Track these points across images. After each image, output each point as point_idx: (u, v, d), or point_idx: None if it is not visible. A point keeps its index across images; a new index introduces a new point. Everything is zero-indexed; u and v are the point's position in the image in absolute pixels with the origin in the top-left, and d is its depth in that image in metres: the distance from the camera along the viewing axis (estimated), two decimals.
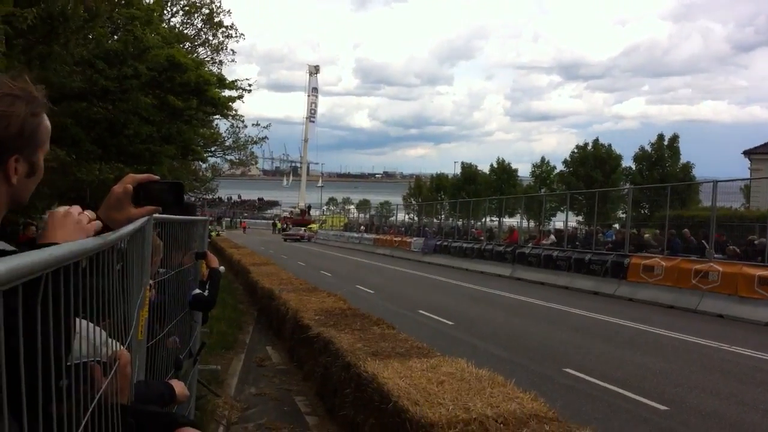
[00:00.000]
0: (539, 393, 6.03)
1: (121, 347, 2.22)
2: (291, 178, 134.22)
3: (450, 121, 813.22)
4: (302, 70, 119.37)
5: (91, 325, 1.91)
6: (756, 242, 20.93)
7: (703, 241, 21.88)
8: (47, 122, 2.00)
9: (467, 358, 7.35)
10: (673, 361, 12.31)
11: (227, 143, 43.13)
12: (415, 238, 47.50)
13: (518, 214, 43.49)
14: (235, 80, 28.20)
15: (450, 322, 16.51)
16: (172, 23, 33.29)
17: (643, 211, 41.07)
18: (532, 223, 47.35)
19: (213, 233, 47.32)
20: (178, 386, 3.31)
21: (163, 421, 2.44)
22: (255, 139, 43.77)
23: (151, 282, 4.24)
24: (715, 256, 20.49)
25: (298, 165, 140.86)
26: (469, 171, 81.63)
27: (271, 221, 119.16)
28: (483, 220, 46.30)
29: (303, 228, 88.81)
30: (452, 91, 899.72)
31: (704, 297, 19.43)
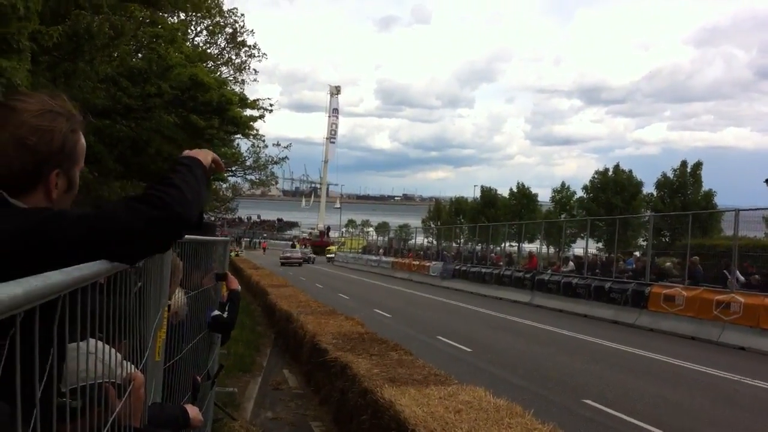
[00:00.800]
0: (558, 424, 5.92)
1: (136, 369, 2.18)
2: (312, 199, 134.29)
3: (470, 144, 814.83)
4: (324, 91, 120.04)
5: (106, 346, 1.88)
6: None
7: (724, 271, 21.62)
8: (83, 140, 2.05)
9: (485, 386, 7.26)
10: (693, 394, 12.13)
11: (248, 163, 43.45)
12: (433, 263, 47.35)
13: (538, 240, 43.23)
14: (257, 100, 28.44)
15: (468, 349, 16.38)
16: (195, 42, 33.63)
17: (664, 239, 40.78)
18: (551, 249, 47.13)
19: (232, 254, 47.43)
20: (193, 411, 3.26)
21: None
22: (275, 159, 44.10)
23: (184, 298, 4.21)
24: (741, 279, 20.23)
25: (318, 186, 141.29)
26: (488, 195, 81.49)
27: (290, 242, 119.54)
28: (502, 245, 46.12)
29: (301, 249, 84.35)
30: (473, 113, 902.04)
31: (726, 328, 19.17)
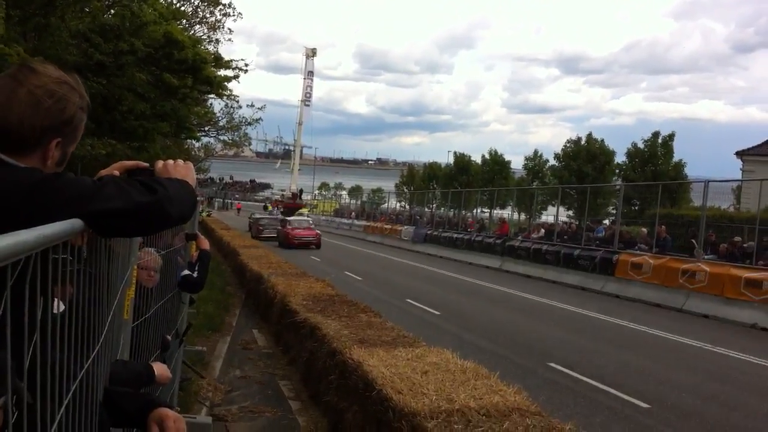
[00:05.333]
0: (523, 386, 6.04)
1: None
2: (292, 160, 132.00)
3: (447, 110, 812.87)
4: (302, 53, 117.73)
5: None
6: (745, 245, 20.98)
7: (692, 240, 21.91)
8: (84, 122, 2.11)
9: (453, 349, 7.38)
10: (656, 359, 12.38)
11: (221, 123, 43.00)
12: (405, 227, 47.45)
13: (509, 207, 43.44)
14: (231, 60, 28.15)
15: (437, 312, 16.55)
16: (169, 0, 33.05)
17: (633, 208, 41.13)
18: (523, 216, 47.39)
19: (203, 213, 47.09)
20: (159, 368, 3.28)
21: (140, 401, 2.44)
22: (249, 120, 43.67)
23: (155, 258, 4.23)
24: (705, 257, 20.53)
25: (292, 148, 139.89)
26: (462, 161, 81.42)
27: (262, 204, 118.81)
28: (474, 211, 46.27)
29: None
30: (451, 80, 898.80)
31: (690, 297, 19.49)
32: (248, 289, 17.23)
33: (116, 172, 2.14)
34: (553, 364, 11.38)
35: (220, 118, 42.30)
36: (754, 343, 14.56)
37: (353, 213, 69.11)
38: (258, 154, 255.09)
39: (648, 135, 57.13)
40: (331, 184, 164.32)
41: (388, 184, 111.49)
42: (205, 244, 6.25)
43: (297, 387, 9.37)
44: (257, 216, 54.89)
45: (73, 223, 1.68)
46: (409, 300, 18.30)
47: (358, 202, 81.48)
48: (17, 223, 1.45)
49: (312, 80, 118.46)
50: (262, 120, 44.54)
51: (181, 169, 2.21)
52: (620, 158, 59.93)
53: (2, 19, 12.42)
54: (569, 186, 49.14)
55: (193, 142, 43.36)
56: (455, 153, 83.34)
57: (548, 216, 43.65)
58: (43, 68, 1.96)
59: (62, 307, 1.95)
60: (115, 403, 2.31)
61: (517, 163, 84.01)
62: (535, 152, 71.18)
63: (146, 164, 2.23)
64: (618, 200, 31.50)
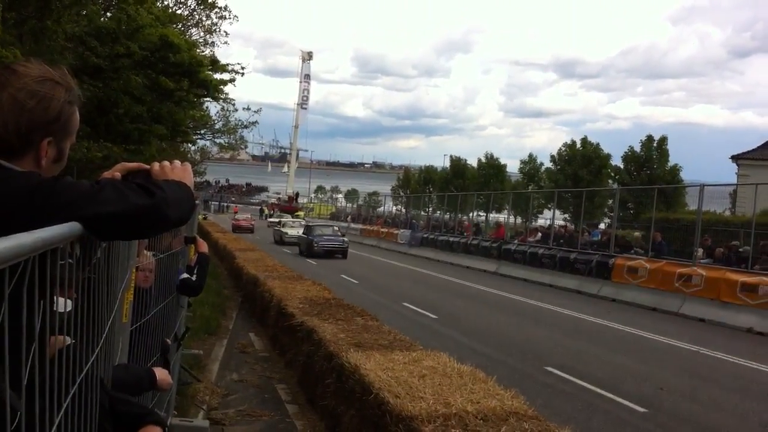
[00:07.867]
0: (520, 390, 6.03)
1: None
2: (286, 164, 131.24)
3: (444, 114, 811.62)
4: (298, 56, 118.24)
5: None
6: (741, 249, 21.00)
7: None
8: (77, 114, 2.10)
9: (449, 352, 7.37)
10: (653, 363, 12.38)
11: (217, 126, 43.01)
12: (401, 230, 47.43)
13: (506, 210, 43.41)
14: (227, 63, 28.15)
15: (434, 316, 16.54)
16: (165, 2, 33.02)
17: (630, 212, 41.17)
18: (519, 220, 47.36)
19: (199, 217, 46.96)
20: (161, 373, 3.27)
21: (137, 412, 2.44)
22: (245, 123, 43.72)
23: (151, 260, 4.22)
24: (701, 261, 20.54)
25: (288, 151, 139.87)
26: (457, 165, 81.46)
27: (258, 207, 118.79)
28: (470, 214, 46.24)
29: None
30: (448, 84, 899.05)
31: (686, 301, 19.50)
32: (245, 292, 17.22)
33: (118, 174, 2.14)
34: (550, 368, 11.38)
35: (216, 121, 42.33)
36: (750, 348, 14.58)
37: (349, 216, 69.08)
38: (254, 157, 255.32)
39: (643, 139, 57.14)
40: (327, 188, 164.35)
41: (384, 188, 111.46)
42: (204, 247, 6.24)
43: (294, 390, 9.35)
44: None
45: (71, 227, 1.68)
46: (405, 303, 18.29)
47: (355, 206, 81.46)
48: (15, 227, 1.44)
49: (309, 84, 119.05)
50: (258, 123, 44.69)
51: (179, 171, 2.21)
52: (617, 162, 59.97)
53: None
54: (565, 189, 49.14)
55: (189, 145, 43.31)
56: (451, 156, 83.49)
57: (544, 220, 43.68)
58: (24, 68, 1.95)
59: (69, 307, 1.95)
60: (112, 408, 2.30)
61: (513, 167, 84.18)
62: (530, 156, 71.23)
63: (148, 167, 2.23)
64: (614, 204, 31.53)
